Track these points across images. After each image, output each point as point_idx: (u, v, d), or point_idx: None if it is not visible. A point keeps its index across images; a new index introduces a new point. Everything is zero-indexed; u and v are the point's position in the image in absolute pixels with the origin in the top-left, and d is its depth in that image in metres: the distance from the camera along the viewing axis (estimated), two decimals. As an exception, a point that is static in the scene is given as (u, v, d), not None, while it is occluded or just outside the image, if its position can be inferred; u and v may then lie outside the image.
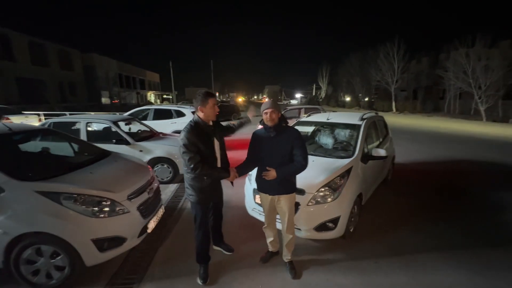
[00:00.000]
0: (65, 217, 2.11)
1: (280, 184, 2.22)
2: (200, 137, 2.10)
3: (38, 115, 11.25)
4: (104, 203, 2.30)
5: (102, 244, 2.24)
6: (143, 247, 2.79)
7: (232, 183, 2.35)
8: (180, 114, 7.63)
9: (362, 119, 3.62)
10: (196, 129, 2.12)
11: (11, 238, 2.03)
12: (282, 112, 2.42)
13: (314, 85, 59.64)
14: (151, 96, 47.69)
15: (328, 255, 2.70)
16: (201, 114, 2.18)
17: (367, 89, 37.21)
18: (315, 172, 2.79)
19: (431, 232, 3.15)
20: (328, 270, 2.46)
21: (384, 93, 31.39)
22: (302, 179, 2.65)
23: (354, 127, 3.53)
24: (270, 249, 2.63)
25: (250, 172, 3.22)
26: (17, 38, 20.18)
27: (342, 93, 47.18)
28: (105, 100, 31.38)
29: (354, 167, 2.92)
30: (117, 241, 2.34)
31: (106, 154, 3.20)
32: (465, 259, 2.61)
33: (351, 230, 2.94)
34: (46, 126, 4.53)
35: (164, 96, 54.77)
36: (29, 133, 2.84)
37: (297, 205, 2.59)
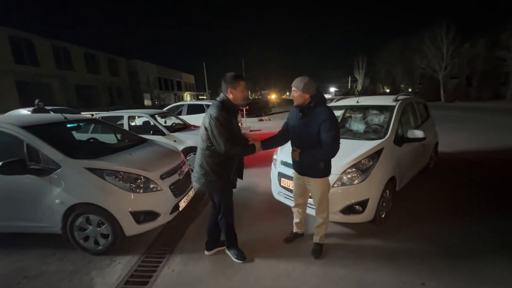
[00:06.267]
0: (107, 190, 2.40)
1: (307, 167, 2.19)
2: (230, 116, 2.04)
3: (92, 114, 12.80)
4: (140, 180, 2.54)
5: (139, 216, 2.48)
6: (175, 224, 3.01)
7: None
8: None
9: (396, 100, 3.36)
10: (226, 107, 2.03)
11: (66, 207, 2.37)
12: None
13: (350, 77, 56.59)
14: (187, 96, 50.32)
15: (357, 239, 2.58)
16: (230, 96, 2.07)
17: (411, 79, 34.02)
18: (341, 153, 2.65)
19: (476, 224, 2.78)
20: (356, 253, 2.36)
21: (430, 82, 28.33)
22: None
23: (387, 109, 3.29)
24: (295, 230, 2.61)
25: (275, 157, 3.24)
26: (75, 50, 23.06)
27: (381, 84, 43.94)
28: (147, 102, 34.08)
29: (385, 148, 2.73)
30: (152, 215, 2.56)
31: (144, 140, 3.52)
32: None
33: (383, 216, 2.77)
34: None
35: (200, 97, 57.34)
36: (80, 121, 3.27)
37: (322, 186, 2.52)
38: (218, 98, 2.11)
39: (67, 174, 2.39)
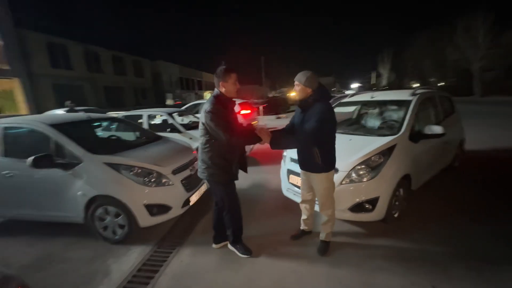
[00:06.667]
0: (123, 183, 2.56)
1: (306, 160, 2.18)
2: (226, 108, 2.06)
3: (117, 114, 13.59)
4: (152, 174, 2.68)
5: (152, 209, 2.62)
6: (187, 218, 3.12)
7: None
8: (227, 107, 8.10)
9: (413, 94, 3.18)
10: (220, 101, 2.06)
11: (88, 198, 2.58)
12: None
13: (375, 72, 54.07)
14: (207, 95, 51.38)
15: (366, 239, 2.51)
16: (222, 90, 2.09)
17: (442, 72, 31.70)
18: (350, 150, 2.61)
19: (497, 227, 2.55)
20: (364, 252, 2.29)
21: (463, 75, 26.17)
22: (336, 157, 2.54)
23: (403, 103, 3.13)
24: (302, 227, 2.60)
25: (284, 154, 3.24)
26: (104, 53, 24.53)
27: (407, 78, 41.50)
28: (169, 101, 35.35)
29: (398, 145, 2.61)
30: (164, 208, 2.69)
31: (159, 138, 3.69)
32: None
33: (396, 215, 2.65)
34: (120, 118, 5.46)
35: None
36: (103, 120, 3.52)
37: (330, 184, 2.48)
38: (212, 93, 2.15)
39: (88, 168, 2.59)
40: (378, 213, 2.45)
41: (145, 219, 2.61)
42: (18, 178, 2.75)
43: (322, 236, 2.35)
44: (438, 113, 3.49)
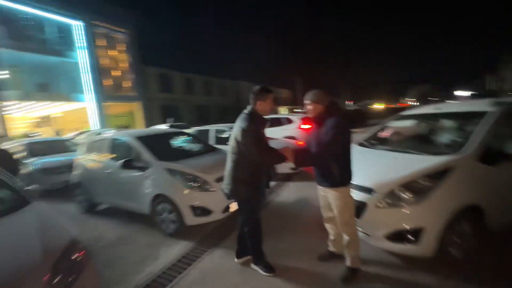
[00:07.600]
0: (175, 186, 3.12)
1: (322, 175, 2.12)
2: (259, 126, 2.16)
3: (191, 129, 15.89)
4: (199, 180, 3.13)
5: (196, 210, 3.05)
6: (228, 225, 3.39)
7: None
8: (289, 122, 8.26)
9: (496, 104, 2.51)
10: (255, 119, 2.14)
11: (152, 195, 3.25)
12: None
13: (490, 76, 42.64)
14: (283, 110, 52.76)
15: (407, 275, 2.13)
16: (259, 108, 2.21)
17: None
18: (392, 169, 2.32)
19: None
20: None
21: None
22: (372, 176, 2.34)
23: (477, 116, 2.50)
24: (331, 248, 2.44)
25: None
26: (196, 78, 29.49)
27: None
28: (247, 117, 38.33)
29: (459, 167, 2.12)
30: (206, 211, 3.08)
31: (214, 149, 4.23)
32: None
33: (457, 255, 2.11)
34: (193, 132, 6.51)
35: (296, 110, 58.68)
36: (174, 134, 4.36)
37: (364, 205, 2.27)
38: (245, 111, 2.24)
39: (154, 171, 3.29)
40: (424, 248, 2.03)
41: (190, 218, 3.06)
42: (115, 175, 3.75)
43: (348, 262, 2.15)
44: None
